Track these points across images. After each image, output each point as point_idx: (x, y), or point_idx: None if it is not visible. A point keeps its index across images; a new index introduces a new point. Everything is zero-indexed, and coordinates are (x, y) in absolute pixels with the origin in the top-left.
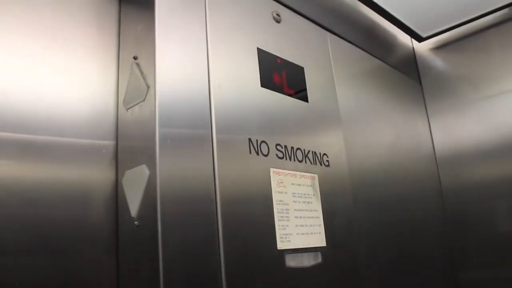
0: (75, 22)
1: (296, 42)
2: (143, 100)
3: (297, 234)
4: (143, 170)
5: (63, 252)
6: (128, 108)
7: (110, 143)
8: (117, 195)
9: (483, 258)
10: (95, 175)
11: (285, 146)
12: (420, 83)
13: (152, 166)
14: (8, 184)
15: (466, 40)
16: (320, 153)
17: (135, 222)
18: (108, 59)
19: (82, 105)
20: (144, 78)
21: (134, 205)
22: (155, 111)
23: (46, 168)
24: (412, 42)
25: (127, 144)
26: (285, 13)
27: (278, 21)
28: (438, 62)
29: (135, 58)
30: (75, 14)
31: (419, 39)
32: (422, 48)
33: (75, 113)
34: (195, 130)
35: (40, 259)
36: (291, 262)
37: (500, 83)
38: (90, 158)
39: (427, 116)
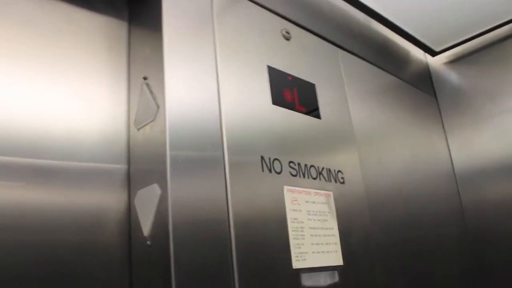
0: (85, 46)
1: (306, 59)
2: (153, 120)
3: (313, 252)
4: (155, 189)
5: (77, 276)
6: (139, 128)
7: (122, 165)
8: (130, 216)
9: (508, 277)
10: (108, 197)
11: (299, 164)
12: (436, 98)
13: (163, 185)
14: (20, 209)
15: (481, 53)
16: (334, 170)
17: (148, 242)
18: (119, 81)
19: (94, 128)
20: (154, 98)
21: (146, 225)
22: (165, 130)
23: (59, 192)
24: (425, 57)
25: (139, 164)
26: (294, 30)
27: (287, 39)
28: (453, 76)
29: (145, 78)
30: (85, 39)
31: (433, 53)
32: (436, 62)
33: (88, 135)
34: (206, 150)
35: (54, 285)
36: (307, 281)
37: None
38: (102, 180)
39: (444, 132)
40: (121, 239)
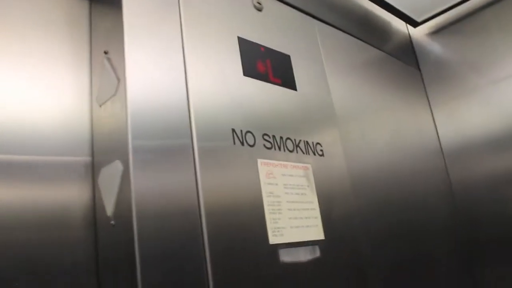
0: (45, 25)
1: (280, 30)
2: (114, 94)
3: (291, 227)
4: (117, 166)
5: (44, 270)
6: (101, 104)
7: (85, 157)
8: (95, 203)
9: (499, 252)
10: (72, 188)
11: (273, 136)
12: (419, 69)
13: (125, 160)
14: None
15: (463, 22)
16: (313, 143)
17: (111, 222)
18: (81, 60)
19: (56, 113)
20: (114, 72)
21: (109, 204)
22: (126, 104)
23: (21, 188)
24: (407, 28)
25: (102, 141)
26: (266, 1)
27: (259, 9)
28: (436, 47)
29: (105, 52)
30: (45, 18)
31: (414, 24)
32: (418, 33)
33: (50, 122)
34: (171, 125)
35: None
36: (286, 257)
37: (504, 67)
38: (66, 172)
39: (429, 105)
40: (87, 228)
